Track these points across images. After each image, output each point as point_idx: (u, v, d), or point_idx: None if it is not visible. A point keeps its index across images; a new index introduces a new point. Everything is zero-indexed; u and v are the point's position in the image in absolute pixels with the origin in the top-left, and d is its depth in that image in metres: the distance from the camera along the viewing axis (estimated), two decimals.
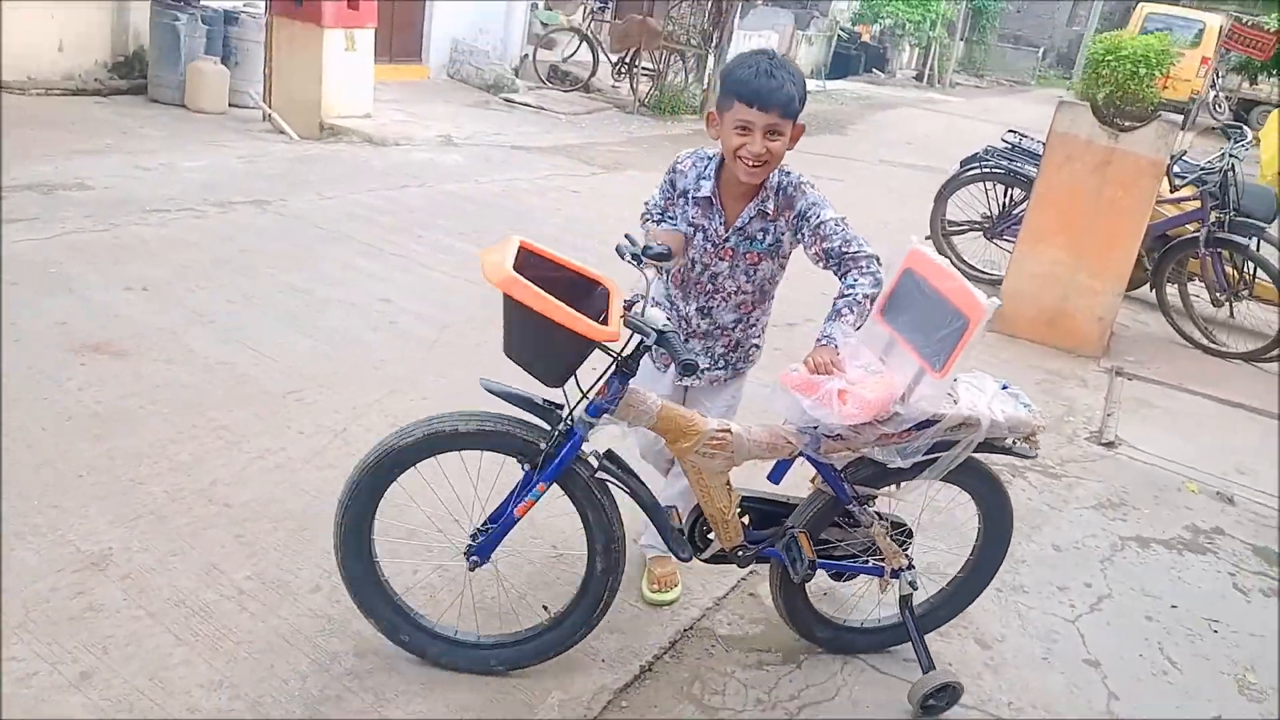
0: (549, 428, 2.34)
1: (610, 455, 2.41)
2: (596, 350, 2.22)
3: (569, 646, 2.52)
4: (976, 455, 2.54)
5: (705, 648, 2.78)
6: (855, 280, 2.42)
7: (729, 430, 2.40)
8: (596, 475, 2.38)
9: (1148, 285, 6.51)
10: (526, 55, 13.58)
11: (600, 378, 2.30)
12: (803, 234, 2.51)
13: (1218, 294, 6.32)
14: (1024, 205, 6.29)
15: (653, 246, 2.29)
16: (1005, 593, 3.27)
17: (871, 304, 2.42)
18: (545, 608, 2.66)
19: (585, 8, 14.91)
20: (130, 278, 4.61)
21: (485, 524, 2.46)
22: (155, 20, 8.59)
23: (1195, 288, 6.54)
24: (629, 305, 2.29)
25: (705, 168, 2.58)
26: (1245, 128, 6.38)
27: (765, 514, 2.64)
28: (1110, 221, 5.50)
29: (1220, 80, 21.00)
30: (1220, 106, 20.77)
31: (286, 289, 4.81)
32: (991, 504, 2.76)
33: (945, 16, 23.44)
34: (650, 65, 13.08)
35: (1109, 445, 4.61)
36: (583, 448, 2.35)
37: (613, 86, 13.47)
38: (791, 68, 2.43)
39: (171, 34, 8.51)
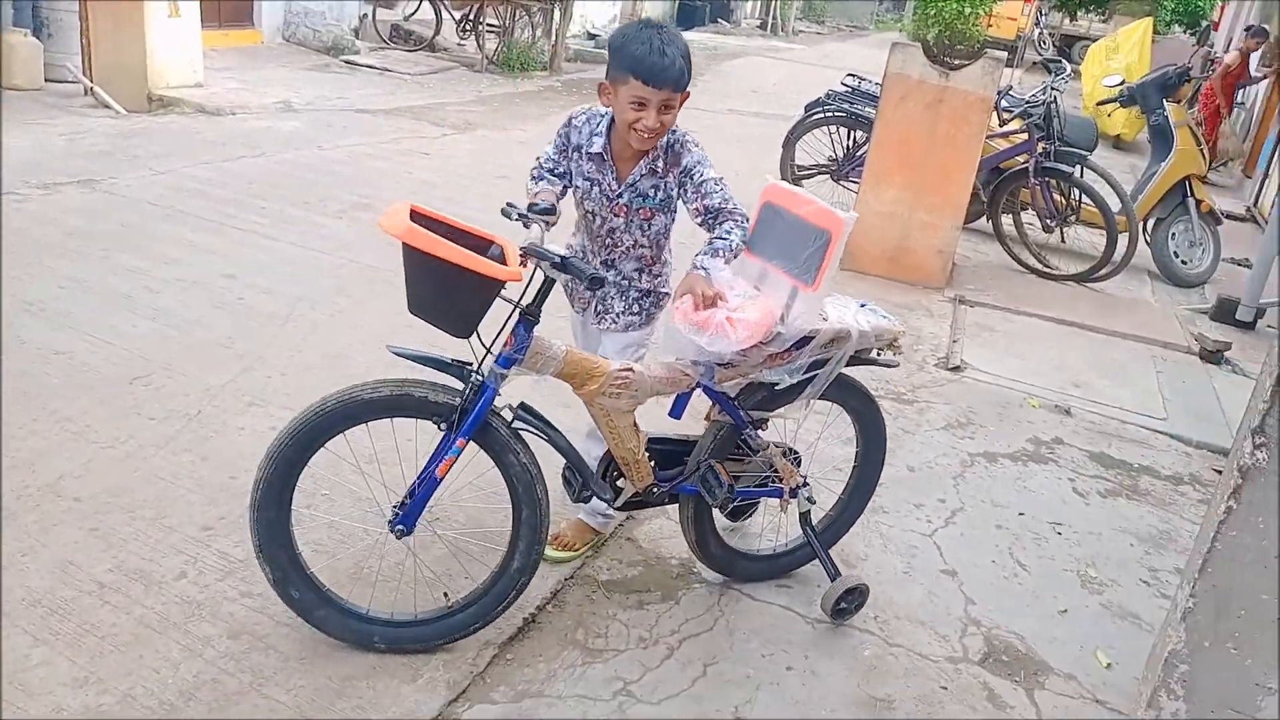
0: (462, 385, 2.35)
1: (524, 407, 2.49)
2: (498, 306, 2.27)
3: (459, 637, 2.52)
4: (848, 373, 2.75)
5: (587, 594, 2.84)
6: (730, 229, 2.54)
7: (631, 369, 2.51)
8: (513, 426, 2.42)
9: (984, 217, 6.86)
10: (366, 15, 13.13)
11: (502, 327, 2.33)
12: (686, 189, 2.63)
13: (1048, 221, 6.70)
14: (866, 146, 6.50)
15: (538, 204, 2.44)
16: (866, 514, 3.42)
17: (737, 255, 2.55)
18: (445, 594, 2.65)
19: None
20: None
21: (408, 494, 2.44)
22: None
23: (1028, 216, 6.93)
24: (525, 251, 2.33)
25: (598, 124, 2.66)
26: (1064, 62, 6.74)
27: (667, 454, 2.75)
28: (946, 157, 5.75)
29: (1044, 18, 22.05)
30: (1045, 43, 21.82)
31: (121, 271, 4.57)
32: (867, 417, 3.00)
33: None
34: (495, 22, 12.85)
35: (955, 370, 4.86)
36: (496, 402, 2.38)
37: (458, 45, 13.18)
38: (680, 41, 2.52)
39: None
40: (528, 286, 2.30)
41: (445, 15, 13.01)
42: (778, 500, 2.89)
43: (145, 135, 7.16)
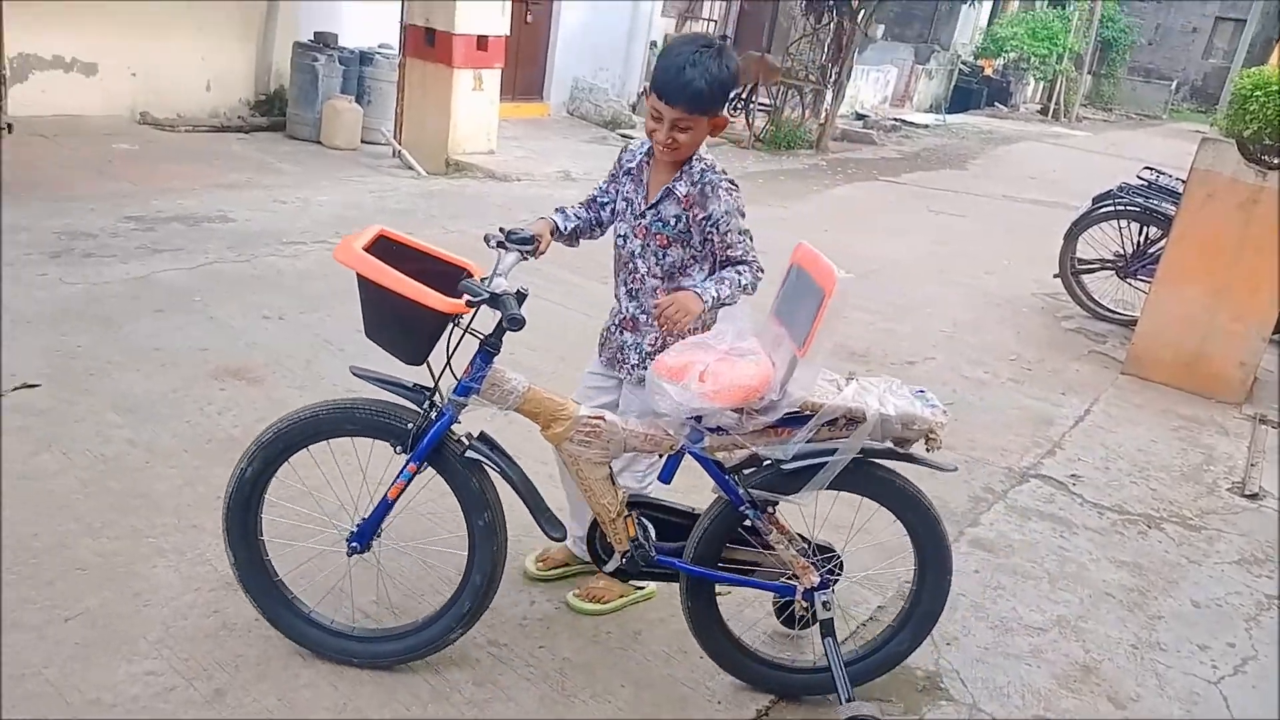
0: (418, 410, 2.36)
1: (483, 436, 2.44)
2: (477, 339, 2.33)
3: (437, 649, 2.54)
4: (888, 465, 2.46)
5: (823, 695, 2.71)
6: (741, 271, 2.52)
7: (602, 418, 2.40)
8: (466, 455, 2.39)
9: None
10: (643, 92, 13.78)
11: (451, 352, 2.34)
12: (711, 239, 2.56)
13: None
14: (1161, 244, 6.03)
15: (517, 232, 2.45)
16: (1141, 649, 3.10)
17: (742, 295, 2.50)
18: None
19: None
20: (266, 306, 4.82)
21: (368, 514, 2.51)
22: (296, 61, 9.04)
23: None
24: (460, 287, 2.31)
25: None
26: None
27: (669, 525, 2.56)
28: (1255, 262, 5.22)
29: None
30: None
31: None
32: (918, 525, 2.56)
33: (1072, 50, 22.83)
34: (766, 101, 13.11)
35: (1252, 497, 4.34)
36: (453, 429, 2.38)
37: (728, 122, 13.54)
38: (712, 61, 2.41)
39: (310, 74, 8.94)
40: (474, 316, 2.29)
41: None
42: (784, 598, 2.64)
43: (441, 196, 7.80)
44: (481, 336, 2.34)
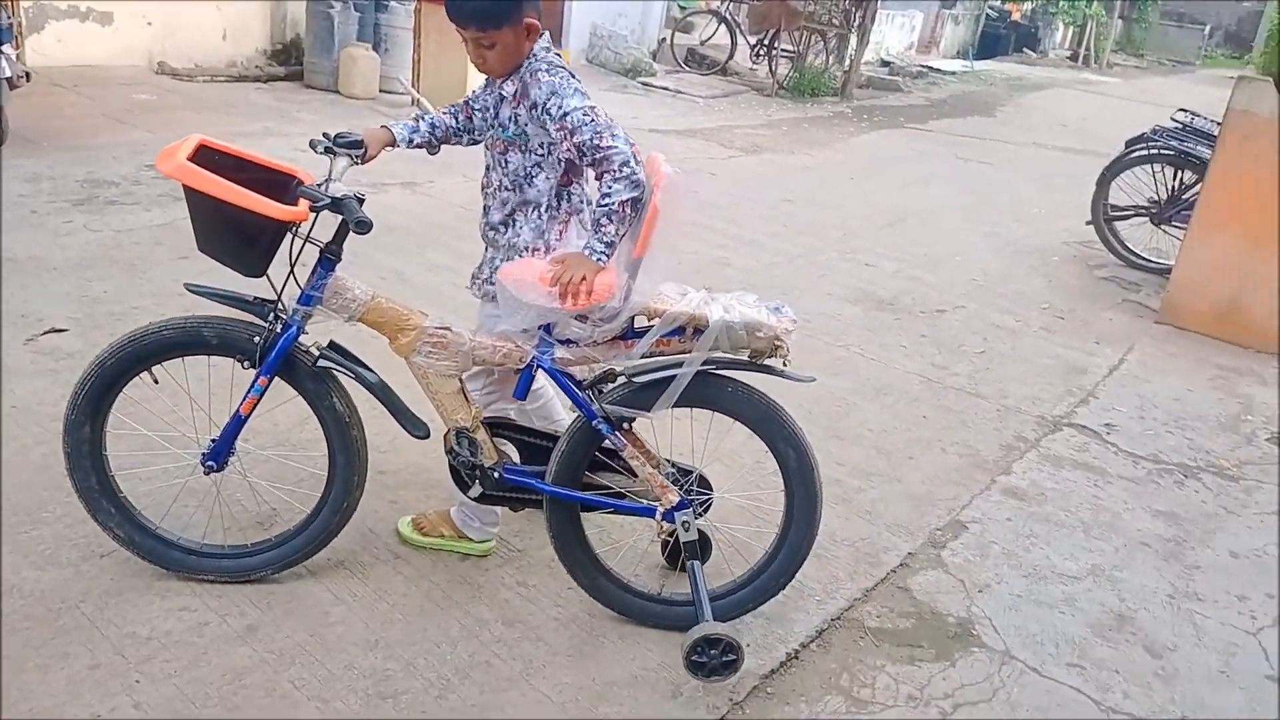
0: (263, 324, 2.32)
1: (333, 345, 2.40)
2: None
3: (306, 556, 2.56)
4: (741, 378, 2.40)
5: (853, 639, 2.69)
6: (610, 187, 2.25)
7: (449, 329, 2.35)
8: (319, 364, 2.36)
9: None
10: (664, 39, 13.57)
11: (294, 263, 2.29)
12: (548, 128, 2.33)
13: None
14: (1196, 189, 5.89)
15: (346, 135, 2.39)
16: (1178, 599, 3.06)
17: (631, 208, 2.27)
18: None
19: None
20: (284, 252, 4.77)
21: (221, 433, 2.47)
22: (311, 9, 8.93)
23: None
24: (299, 193, 2.23)
25: None
26: None
27: (533, 448, 2.53)
28: None
29: None
30: None
31: (434, 267, 4.92)
32: (781, 444, 2.46)
33: None
34: (790, 47, 12.88)
35: None
36: (302, 339, 2.34)
37: (750, 69, 13.33)
38: None
39: (326, 21, 8.83)
40: (314, 223, 2.24)
41: (740, 40, 13.20)
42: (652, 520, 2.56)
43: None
44: (321, 245, 2.29)
